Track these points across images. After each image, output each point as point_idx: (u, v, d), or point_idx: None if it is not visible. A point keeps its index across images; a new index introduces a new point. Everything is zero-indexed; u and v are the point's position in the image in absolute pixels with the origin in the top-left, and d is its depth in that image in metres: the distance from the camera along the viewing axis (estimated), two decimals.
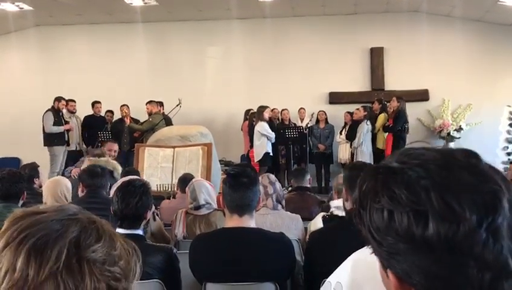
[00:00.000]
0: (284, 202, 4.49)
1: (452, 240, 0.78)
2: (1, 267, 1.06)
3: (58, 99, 10.86)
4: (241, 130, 11.83)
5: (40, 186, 5.76)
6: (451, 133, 11.68)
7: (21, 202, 4.17)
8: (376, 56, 12.59)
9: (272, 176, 4.40)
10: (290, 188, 7.17)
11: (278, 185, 4.37)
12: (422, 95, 12.29)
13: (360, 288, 1.83)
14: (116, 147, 7.82)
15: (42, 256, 1.04)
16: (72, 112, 11.32)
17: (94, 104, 11.74)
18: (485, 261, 0.79)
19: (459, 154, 0.88)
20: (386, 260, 0.90)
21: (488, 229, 0.79)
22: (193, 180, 4.79)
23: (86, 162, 6.26)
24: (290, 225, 4.17)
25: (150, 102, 11.16)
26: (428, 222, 0.80)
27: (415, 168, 0.86)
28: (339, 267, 2.01)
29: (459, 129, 11.76)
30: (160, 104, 11.43)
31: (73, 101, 11.30)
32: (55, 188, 4.70)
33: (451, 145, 11.67)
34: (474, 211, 0.79)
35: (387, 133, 10.82)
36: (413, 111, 11.55)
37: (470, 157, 0.87)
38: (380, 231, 0.88)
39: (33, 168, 6.15)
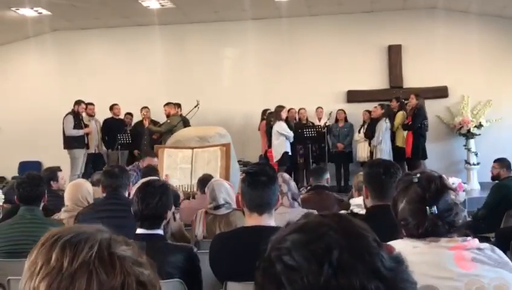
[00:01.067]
0: (299, 200, 4.50)
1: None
2: (37, 263, 1.11)
3: (78, 102, 10.97)
4: (258, 130, 11.83)
5: (60, 190, 5.82)
6: (471, 130, 11.55)
7: (42, 204, 4.21)
8: (394, 54, 12.51)
9: (286, 175, 4.41)
10: (308, 188, 7.16)
11: (292, 183, 4.39)
12: (441, 92, 12.18)
13: None
14: (155, 161, 7.42)
15: (76, 248, 1.10)
16: (91, 115, 11.41)
17: (112, 106, 11.82)
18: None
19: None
20: None
21: (331, 266, 0.86)
22: (212, 180, 4.81)
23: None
24: None
25: (167, 104, 11.22)
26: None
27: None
28: None
29: (479, 126, 11.62)
30: (178, 105, 11.47)
31: (92, 104, 11.39)
32: (76, 192, 4.74)
33: (471, 142, 11.56)
34: (312, 260, 0.87)
35: (406, 131, 10.76)
36: (433, 108, 11.46)
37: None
38: None
39: (52, 171, 6.21)
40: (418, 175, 2.02)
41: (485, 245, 1.92)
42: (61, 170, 6.64)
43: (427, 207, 1.91)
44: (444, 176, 2.07)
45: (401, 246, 1.94)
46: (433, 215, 1.91)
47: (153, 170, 5.92)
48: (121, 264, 1.12)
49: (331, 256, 0.86)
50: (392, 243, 1.98)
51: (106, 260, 1.11)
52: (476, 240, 1.93)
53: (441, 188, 1.96)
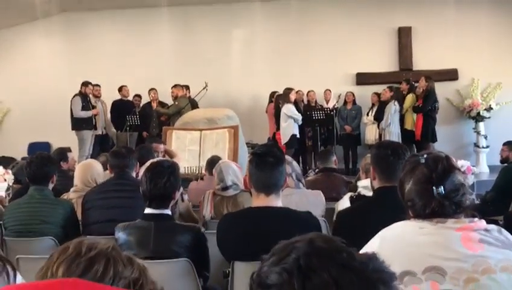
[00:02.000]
0: (303, 181, 4.51)
1: None
2: (53, 256, 1.14)
3: (85, 84, 10.96)
4: (267, 112, 11.81)
5: (70, 170, 5.85)
6: (480, 113, 11.49)
7: (51, 185, 4.23)
8: (404, 36, 12.41)
9: (288, 156, 4.40)
10: (316, 170, 7.17)
11: (295, 163, 4.41)
12: (451, 75, 12.10)
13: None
14: (161, 147, 7.16)
15: (94, 242, 1.15)
16: (98, 97, 11.41)
17: (121, 88, 11.81)
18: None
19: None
20: None
21: (300, 272, 0.92)
22: (220, 161, 4.83)
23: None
24: (315, 202, 4.21)
25: (175, 86, 11.19)
26: None
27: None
28: (366, 245, 2.02)
29: (489, 109, 11.55)
30: (186, 87, 11.46)
31: (98, 85, 11.37)
32: (85, 172, 4.77)
33: (481, 125, 11.51)
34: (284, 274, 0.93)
35: (416, 114, 10.71)
36: (442, 91, 11.38)
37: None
38: None
39: (62, 151, 6.24)
40: (425, 156, 2.01)
41: (492, 226, 1.91)
42: (71, 151, 6.67)
43: (434, 187, 1.90)
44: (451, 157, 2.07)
45: (408, 227, 1.96)
46: (440, 195, 1.90)
47: (149, 152, 5.84)
48: (138, 264, 1.14)
49: (299, 263, 0.92)
50: (398, 224, 2.00)
51: (123, 255, 1.13)
52: (483, 221, 1.92)
53: (448, 168, 1.95)
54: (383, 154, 2.99)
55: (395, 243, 1.92)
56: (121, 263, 1.11)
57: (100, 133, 11.34)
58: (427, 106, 10.46)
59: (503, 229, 1.93)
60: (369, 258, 0.97)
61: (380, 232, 2.01)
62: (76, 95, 10.84)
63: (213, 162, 5.58)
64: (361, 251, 1.98)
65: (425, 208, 1.93)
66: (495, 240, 1.85)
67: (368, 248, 1.99)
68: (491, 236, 1.86)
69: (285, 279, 0.92)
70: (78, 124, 10.73)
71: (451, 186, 1.92)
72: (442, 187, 1.90)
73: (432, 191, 1.91)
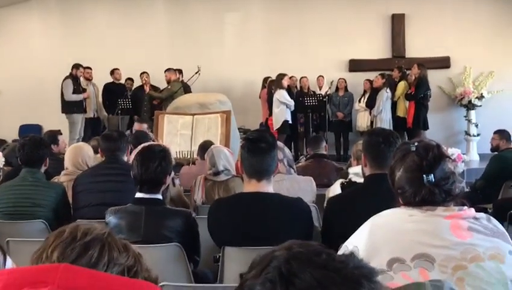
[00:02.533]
0: (295, 167, 4.52)
1: None
2: (49, 239, 1.13)
3: (76, 66, 10.85)
4: (259, 98, 11.80)
5: (61, 153, 5.84)
6: (472, 101, 11.52)
7: (44, 168, 4.23)
8: (397, 23, 12.39)
9: (280, 142, 4.41)
10: (307, 156, 7.19)
11: (286, 149, 4.42)
12: (443, 63, 12.10)
13: (377, 251, 1.87)
14: (144, 127, 7.39)
15: (90, 227, 1.16)
16: (89, 79, 11.34)
17: (113, 71, 11.74)
18: None
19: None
20: None
21: (283, 278, 0.92)
22: (212, 146, 4.83)
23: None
24: (306, 188, 4.23)
25: (168, 70, 11.15)
26: None
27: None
28: (356, 232, 2.04)
29: (481, 97, 11.58)
30: (179, 71, 11.42)
31: (90, 68, 11.30)
32: (76, 155, 4.74)
33: (472, 113, 11.56)
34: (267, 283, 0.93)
35: (408, 101, 10.73)
36: (434, 79, 11.39)
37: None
38: None
39: (52, 134, 6.22)
40: (416, 144, 2.02)
41: (481, 215, 1.93)
42: (61, 134, 6.66)
43: (424, 175, 1.91)
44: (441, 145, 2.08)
45: (398, 214, 1.98)
46: (430, 183, 1.91)
47: (144, 136, 5.87)
48: (133, 251, 1.14)
49: (280, 271, 0.93)
50: (388, 211, 2.01)
51: (119, 242, 1.13)
52: (472, 210, 1.94)
53: (439, 156, 1.96)
54: (374, 142, 3.00)
55: (384, 231, 1.94)
56: (116, 250, 1.11)
57: (92, 116, 11.30)
58: (419, 93, 10.47)
59: (492, 218, 1.94)
60: (348, 257, 0.98)
61: (369, 220, 2.02)
62: (67, 77, 10.75)
63: (205, 146, 5.58)
64: (350, 239, 2.01)
65: (415, 196, 1.94)
66: (484, 228, 1.86)
67: (357, 235, 2.01)
68: (480, 224, 1.87)
69: (269, 289, 0.92)
70: (69, 107, 10.66)
71: (442, 175, 1.93)
72: (432, 175, 1.91)
73: (422, 179, 1.92)
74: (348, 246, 1.99)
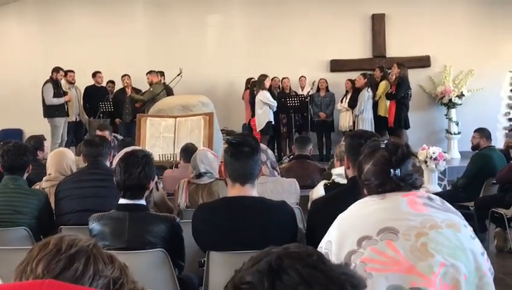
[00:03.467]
0: (278, 168, 4.54)
1: None
2: (33, 250, 1.12)
3: (56, 70, 10.75)
4: (242, 99, 11.81)
5: (44, 159, 5.78)
6: (452, 100, 11.63)
7: (26, 174, 4.19)
8: (377, 23, 12.48)
9: (263, 145, 4.42)
10: (291, 157, 7.20)
11: (269, 151, 4.43)
12: (423, 62, 12.23)
13: (347, 237, 1.99)
14: (106, 134, 7.03)
15: (75, 239, 1.14)
16: (71, 83, 11.25)
17: (95, 74, 11.65)
18: None
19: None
20: None
21: (271, 271, 0.98)
22: (198, 150, 4.83)
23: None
24: (290, 189, 4.25)
25: (150, 72, 11.10)
26: None
27: None
28: (328, 230, 2.12)
29: (461, 95, 11.70)
30: (161, 73, 11.38)
31: (72, 71, 11.22)
32: (61, 160, 4.68)
33: (453, 112, 11.67)
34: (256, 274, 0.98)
35: (389, 101, 10.80)
36: (415, 78, 11.49)
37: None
38: None
39: (38, 140, 6.16)
40: (385, 141, 2.18)
41: (435, 196, 2.10)
42: (45, 139, 6.59)
43: (392, 169, 2.06)
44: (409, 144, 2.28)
45: (361, 203, 2.12)
46: (396, 177, 2.06)
47: (132, 143, 5.85)
48: (119, 263, 1.13)
49: (271, 264, 0.98)
50: (356, 203, 2.13)
51: (104, 253, 1.13)
52: (426, 193, 2.14)
53: (407, 154, 2.11)
54: (356, 144, 3.02)
55: (350, 219, 2.09)
56: (101, 262, 1.11)
57: (74, 120, 11.21)
58: (400, 93, 10.53)
59: (445, 201, 2.10)
60: (340, 264, 1.04)
61: (338, 216, 2.16)
62: (47, 81, 10.66)
63: (187, 149, 5.58)
64: (324, 239, 2.11)
65: (380, 187, 2.08)
66: (438, 206, 2.03)
67: (329, 232, 2.13)
68: (434, 203, 2.04)
69: (257, 279, 0.97)
70: (50, 111, 10.57)
71: (407, 171, 2.10)
72: (399, 170, 2.06)
73: (389, 173, 2.06)
74: (322, 245, 2.10)
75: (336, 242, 2.00)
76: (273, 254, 1.01)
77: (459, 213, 2.07)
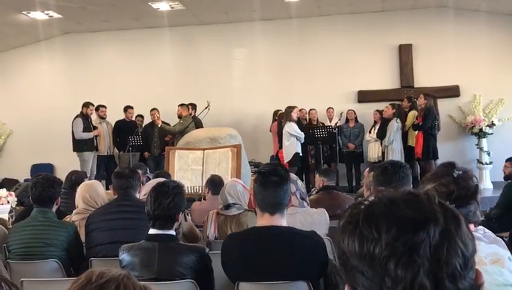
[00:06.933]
0: (307, 199, 4.49)
1: (372, 256, 0.90)
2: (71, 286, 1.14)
3: (86, 105, 10.97)
4: (270, 131, 11.83)
5: None
6: (483, 129, 11.48)
7: (55, 207, 4.23)
8: (405, 53, 12.46)
9: (293, 175, 4.38)
10: (319, 189, 7.14)
11: (299, 182, 4.38)
12: (452, 91, 12.11)
13: None
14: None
15: (105, 271, 1.18)
16: (102, 118, 11.43)
17: (126, 109, 11.82)
18: (398, 278, 0.88)
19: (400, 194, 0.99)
20: (346, 277, 1.00)
21: (404, 245, 0.88)
22: (228, 181, 4.83)
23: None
24: (320, 220, 4.19)
25: (181, 105, 11.21)
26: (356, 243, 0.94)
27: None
28: None
29: (491, 125, 11.54)
30: (193, 106, 11.46)
31: (104, 106, 11.40)
32: (85, 191, 4.74)
33: (484, 141, 11.50)
34: (388, 232, 0.90)
35: (417, 131, 10.70)
36: (444, 108, 11.41)
37: (408, 194, 0.99)
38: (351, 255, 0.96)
39: (79, 176, 6.20)
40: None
41: (480, 227, 2.08)
42: (87, 176, 6.59)
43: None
44: None
45: None
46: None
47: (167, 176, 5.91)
48: None
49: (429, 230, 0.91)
50: None
51: (137, 284, 1.13)
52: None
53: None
54: (385, 175, 3.01)
55: None
56: (131, 289, 1.11)
57: (105, 154, 11.35)
58: (427, 123, 10.42)
59: (486, 229, 2.09)
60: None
61: None
62: (77, 116, 10.86)
63: (213, 181, 5.58)
64: None
65: None
66: (483, 236, 2.00)
67: None
68: (477, 233, 2.01)
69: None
70: (80, 146, 10.74)
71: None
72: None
73: None
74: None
75: None
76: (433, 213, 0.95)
77: (502, 242, 2.02)
